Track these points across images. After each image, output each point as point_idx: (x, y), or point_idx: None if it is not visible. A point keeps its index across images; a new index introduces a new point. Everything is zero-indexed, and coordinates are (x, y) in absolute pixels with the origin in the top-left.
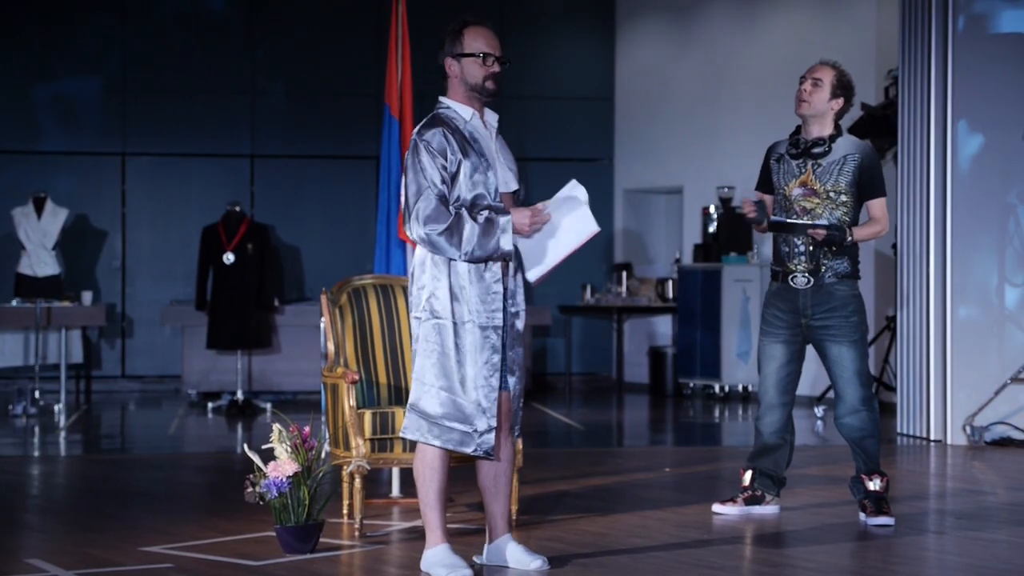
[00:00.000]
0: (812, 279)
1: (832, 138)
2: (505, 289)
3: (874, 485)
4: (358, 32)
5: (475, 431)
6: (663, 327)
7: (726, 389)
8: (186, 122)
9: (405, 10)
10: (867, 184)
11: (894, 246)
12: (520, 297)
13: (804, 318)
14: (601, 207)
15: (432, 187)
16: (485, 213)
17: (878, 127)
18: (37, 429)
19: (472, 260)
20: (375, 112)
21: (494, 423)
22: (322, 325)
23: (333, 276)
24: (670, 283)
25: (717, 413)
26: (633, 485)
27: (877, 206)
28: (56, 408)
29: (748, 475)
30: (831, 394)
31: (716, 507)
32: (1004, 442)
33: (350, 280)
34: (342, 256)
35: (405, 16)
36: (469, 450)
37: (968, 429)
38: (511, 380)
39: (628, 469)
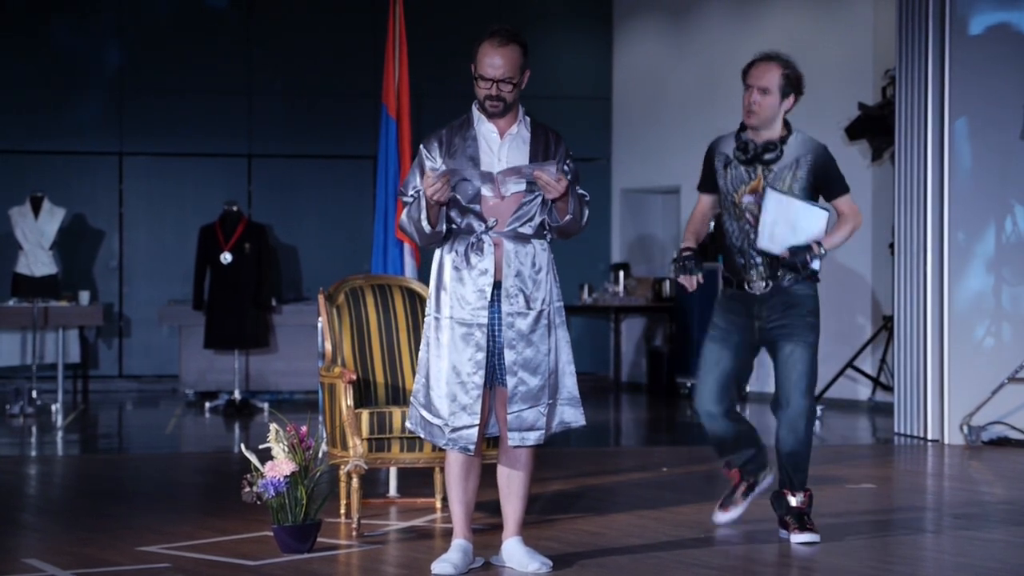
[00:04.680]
0: (770, 283)
1: (783, 140)
2: (499, 288)
3: (797, 501)
4: (355, 32)
5: (445, 425)
6: (661, 327)
7: None
8: (183, 122)
9: (403, 10)
10: (826, 185)
11: (891, 245)
12: (526, 297)
13: (758, 320)
14: (599, 207)
15: (413, 188)
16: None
17: (875, 127)
18: (34, 429)
19: (429, 239)
20: (372, 112)
21: (474, 421)
22: (319, 325)
23: (330, 276)
24: (667, 283)
25: None
26: (630, 485)
27: (843, 204)
28: (53, 408)
29: (735, 472)
30: (829, 394)
31: (718, 517)
32: (1001, 442)
33: (347, 280)
34: (339, 256)
35: (403, 16)
36: (441, 443)
37: (965, 429)
38: (511, 380)
39: (625, 469)
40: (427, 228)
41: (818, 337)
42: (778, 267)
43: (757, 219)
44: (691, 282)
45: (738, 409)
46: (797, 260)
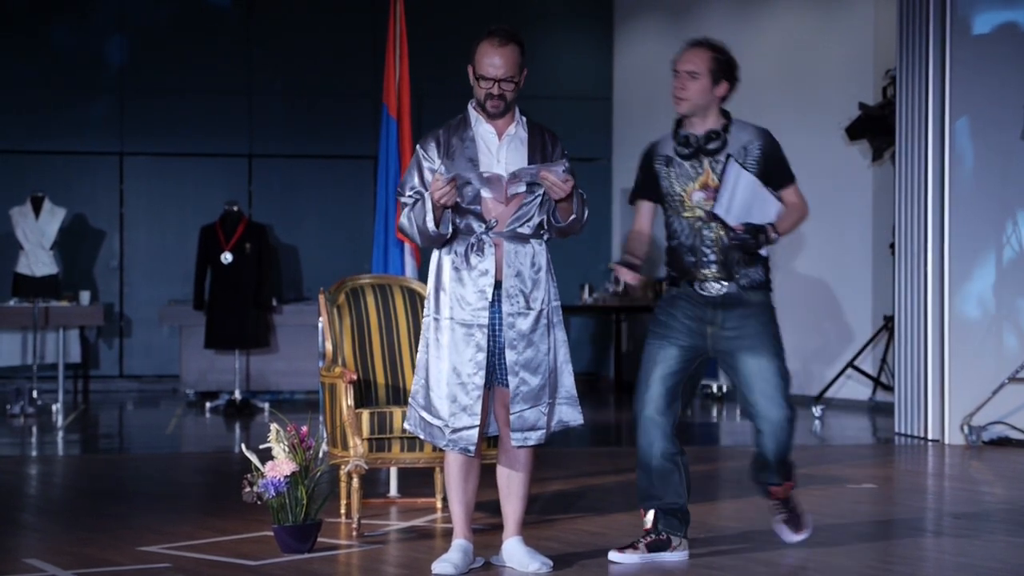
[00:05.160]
0: (725, 286)
1: (725, 128)
2: (500, 288)
3: (784, 493)
4: (356, 32)
5: (446, 426)
6: None
7: (724, 389)
8: (184, 122)
9: (403, 10)
10: (773, 172)
11: (891, 246)
12: (526, 297)
13: (711, 326)
14: (599, 207)
15: (411, 189)
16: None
17: (876, 127)
18: (35, 429)
19: (433, 241)
20: (373, 112)
21: (475, 422)
22: (320, 325)
23: (331, 276)
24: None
25: (715, 413)
26: (632, 485)
27: (791, 194)
28: (54, 408)
29: (650, 515)
30: (830, 393)
31: (613, 555)
32: (1002, 442)
33: (348, 280)
34: (340, 256)
35: (403, 16)
36: (441, 444)
37: (966, 429)
38: (512, 380)
39: (627, 469)
40: (432, 230)
41: (782, 343)
42: (733, 265)
43: (710, 214)
44: (630, 273)
45: (677, 445)
46: (749, 238)
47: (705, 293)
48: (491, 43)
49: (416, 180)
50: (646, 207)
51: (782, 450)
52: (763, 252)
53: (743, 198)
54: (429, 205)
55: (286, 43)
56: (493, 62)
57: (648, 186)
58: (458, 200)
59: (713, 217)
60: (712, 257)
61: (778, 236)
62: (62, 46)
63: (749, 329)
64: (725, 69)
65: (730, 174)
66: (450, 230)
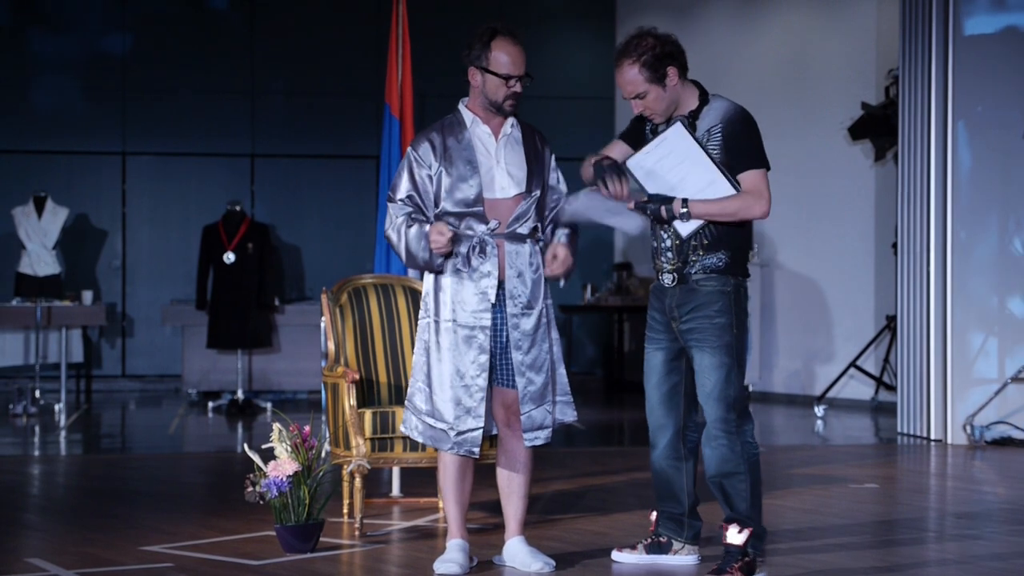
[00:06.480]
0: (677, 276)
1: (695, 114)
2: (502, 290)
3: (732, 537)
4: (358, 32)
5: (451, 429)
6: None
7: None
8: (186, 121)
9: (405, 10)
10: (732, 155)
11: (894, 245)
12: (526, 298)
13: (674, 321)
14: None
15: (402, 195)
16: (426, 224)
17: (878, 127)
18: (37, 428)
19: (418, 267)
20: (375, 112)
21: (479, 423)
22: (322, 324)
23: (333, 275)
24: None
25: None
26: (633, 485)
27: (746, 179)
28: (56, 407)
29: (653, 516)
30: (832, 393)
31: (614, 554)
32: (1004, 441)
33: (350, 279)
34: (342, 255)
35: (405, 16)
36: (445, 447)
37: (968, 428)
38: (520, 381)
39: (628, 469)
40: (422, 259)
41: (735, 336)
42: (688, 251)
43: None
44: (620, 188)
45: (688, 442)
46: (649, 208)
47: (664, 284)
48: (508, 41)
49: (408, 184)
50: (620, 144)
51: (726, 464)
52: (688, 229)
53: (679, 165)
54: (428, 243)
55: (289, 43)
56: (516, 61)
57: (632, 133)
58: (456, 200)
59: (669, 233)
60: (668, 243)
61: (687, 213)
62: (65, 46)
63: (695, 322)
64: (660, 62)
65: (669, 136)
66: (444, 267)
